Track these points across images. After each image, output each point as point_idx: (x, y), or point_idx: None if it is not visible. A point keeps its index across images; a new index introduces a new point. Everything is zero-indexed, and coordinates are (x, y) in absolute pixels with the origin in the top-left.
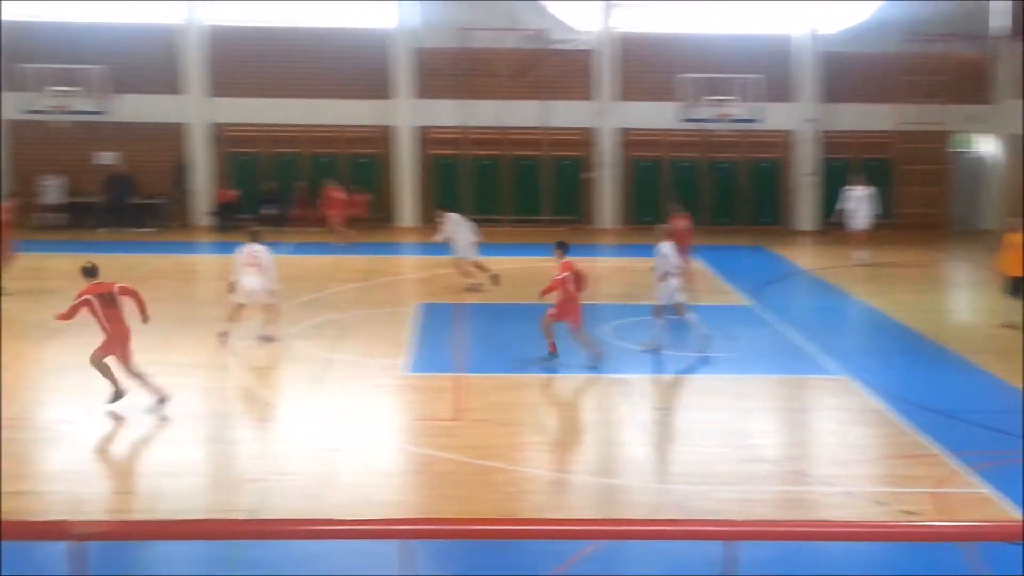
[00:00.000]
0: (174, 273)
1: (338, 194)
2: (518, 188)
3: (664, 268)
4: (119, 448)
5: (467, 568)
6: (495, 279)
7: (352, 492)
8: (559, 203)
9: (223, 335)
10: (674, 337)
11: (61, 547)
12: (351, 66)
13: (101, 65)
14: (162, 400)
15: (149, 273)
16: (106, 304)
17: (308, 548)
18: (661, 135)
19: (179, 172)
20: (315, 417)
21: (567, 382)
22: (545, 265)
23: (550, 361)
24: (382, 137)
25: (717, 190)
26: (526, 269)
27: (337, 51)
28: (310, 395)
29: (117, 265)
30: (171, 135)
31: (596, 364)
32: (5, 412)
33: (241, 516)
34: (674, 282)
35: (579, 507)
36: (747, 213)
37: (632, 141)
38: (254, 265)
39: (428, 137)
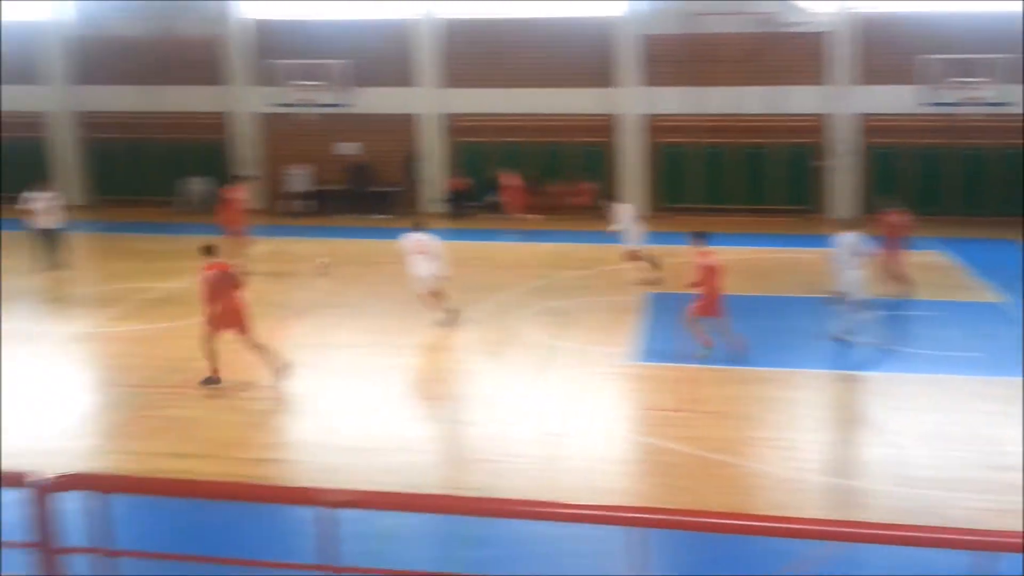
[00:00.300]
0: (399, 258)
1: (514, 181)
2: (747, 176)
3: (846, 258)
4: (356, 423)
5: (694, 561)
6: (656, 267)
7: (578, 477)
8: (790, 192)
9: (451, 314)
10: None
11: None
12: (577, 55)
13: (343, 60)
14: (282, 368)
15: (384, 257)
16: (221, 283)
17: (535, 529)
18: (901, 120)
19: (412, 161)
20: (541, 402)
21: (796, 377)
22: (773, 256)
23: (707, 354)
24: (608, 126)
25: (964, 178)
26: (754, 260)
27: (564, 40)
28: (536, 380)
29: (356, 250)
30: (405, 126)
31: (705, 355)
32: (257, 383)
33: (471, 494)
34: (857, 273)
35: (812, 507)
36: (1000, 203)
37: (870, 127)
38: (422, 252)
39: (654, 125)
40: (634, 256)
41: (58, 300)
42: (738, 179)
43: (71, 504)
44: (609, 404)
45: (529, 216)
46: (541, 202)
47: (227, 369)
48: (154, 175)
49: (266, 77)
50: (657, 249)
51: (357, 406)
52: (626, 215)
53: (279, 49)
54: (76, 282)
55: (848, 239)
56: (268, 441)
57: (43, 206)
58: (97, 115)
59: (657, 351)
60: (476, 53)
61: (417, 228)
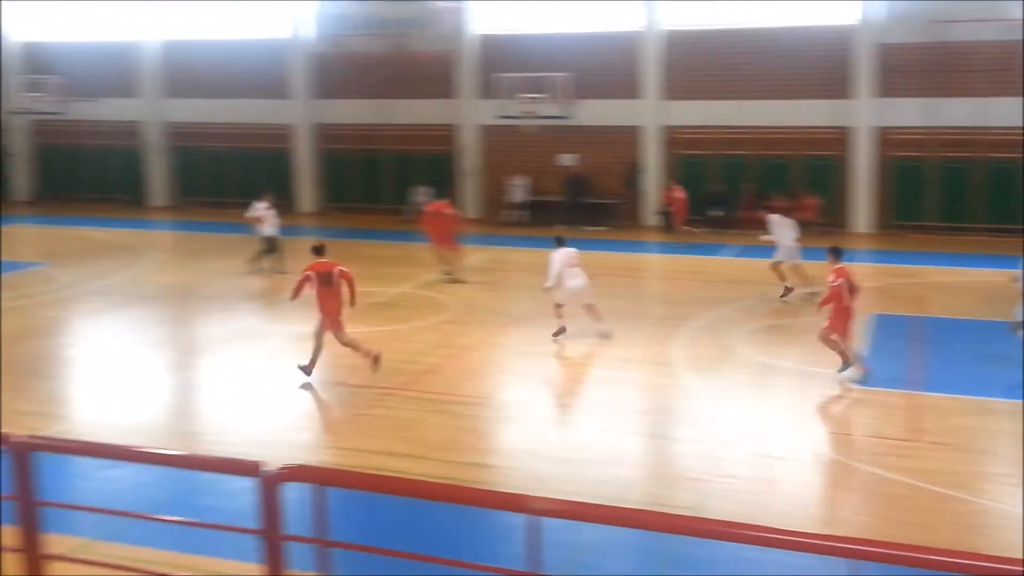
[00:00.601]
0: (622, 270)
1: (679, 193)
2: (990, 193)
3: None
4: (565, 433)
5: None
6: (807, 283)
7: (792, 503)
8: None
9: (558, 332)
10: None
11: (517, 519)
12: (807, 65)
13: (566, 72)
14: (375, 359)
15: (600, 270)
16: (323, 281)
17: (745, 554)
18: None
19: (633, 173)
20: (754, 422)
21: None
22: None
23: (849, 371)
24: (838, 139)
25: None
26: (994, 283)
27: (793, 50)
28: (750, 399)
29: None
30: (626, 138)
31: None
32: (473, 391)
33: (679, 512)
34: None
35: None
36: None
37: None
38: (576, 265)
39: (888, 138)
40: (776, 270)
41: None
42: (979, 196)
43: (292, 494)
44: (827, 428)
45: (695, 230)
46: (761, 217)
47: (436, 375)
48: (384, 184)
49: (491, 90)
50: (890, 268)
51: (568, 416)
52: (782, 227)
53: (504, 63)
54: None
55: None
56: (478, 446)
57: (262, 214)
58: (334, 127)
59: (878, 376)
60: (698, 64)
61: (559, 244)
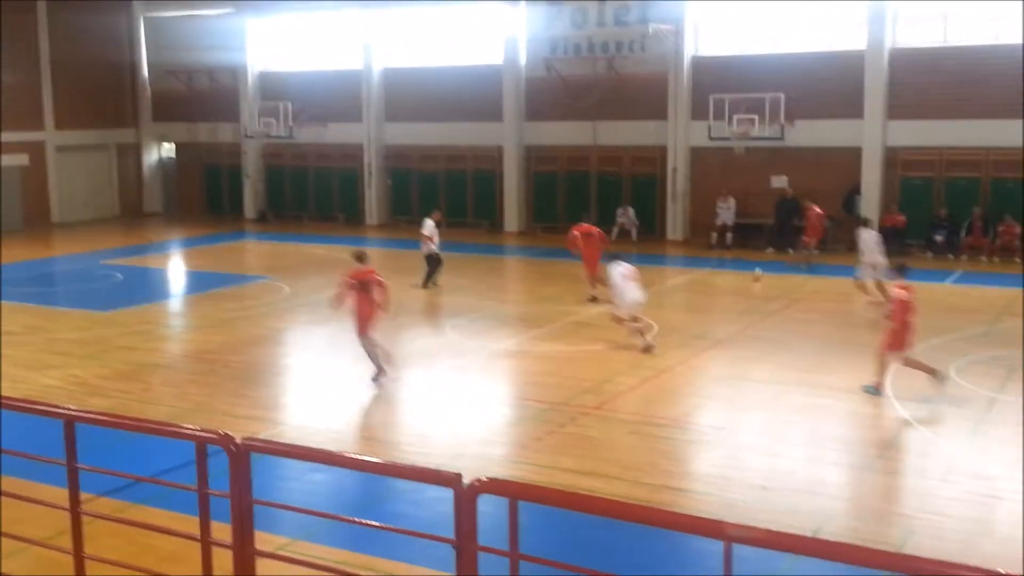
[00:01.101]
0: (830, 295)
1: (817, 212)
2: None
3: None
4: (763, 460)
5: None
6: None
7: (1007, 545)
8: None
9: (646, 347)
10: None
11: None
12: None
13: (781, 93)
14: (378, 375)
15: (806, 294)
16: (362, 288)
17: None
18: None
19: (851, 196)
20: (971, 458)
21: None
22: None
23: (874, 392)
24: None
25: None
26: None
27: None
28: (965, 434)
29: (778, 285)
30: (841, 159)
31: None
32: (669, 413)
33: (884, 548)
34: None
35: None
36: None
37: None
38: (636, 280)
39: None
40: (862, 288)
41: (490, 318)
42: None
43: (484, 507)
44: None
45: (815, 251)
46: (988, 243)
47: (632, 396)
48: (590, 206)
49: (703, 111)
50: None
51: (767, 443)
52: (872, 243)
53: (717, 83)
54: (509, 303)
55: None
56: (672, 469)
57: (428, 232)
58: (543, 149)
59: None
60: (923, 83)
61: (619, 257)
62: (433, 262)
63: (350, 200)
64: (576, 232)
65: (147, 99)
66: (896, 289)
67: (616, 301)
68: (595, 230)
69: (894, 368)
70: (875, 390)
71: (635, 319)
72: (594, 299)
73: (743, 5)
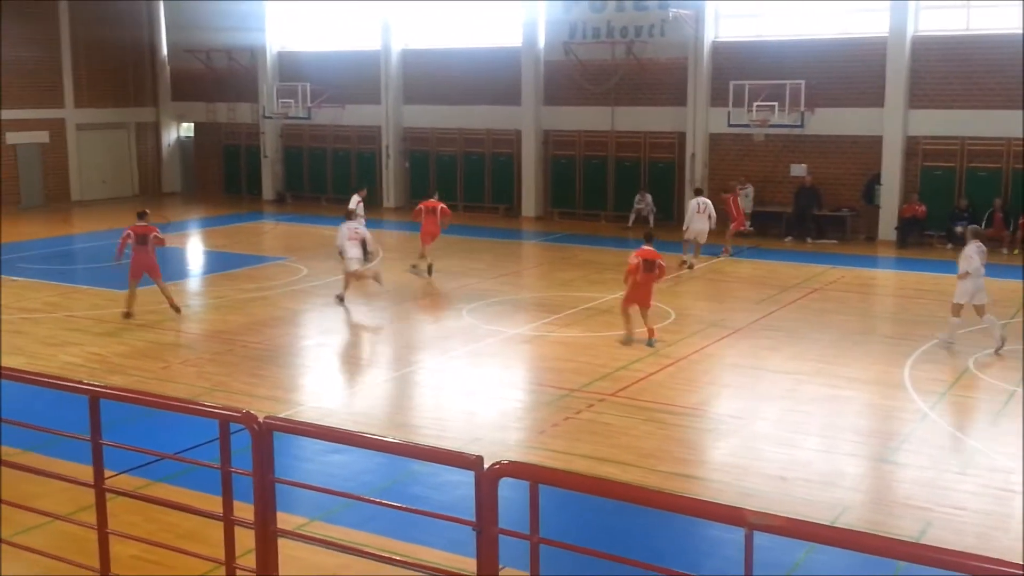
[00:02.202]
0: (853, 286)
1: (735, 198)
2: None
3: (965, 268)
4: (780, 450)
5: None
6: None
7: None
8: None
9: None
10: None
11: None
12: None
13: (801, 80)
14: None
15: (828, 284)
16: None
17: None
18: None
19: (871, 185)
20: (991, 452)
21: None
22: None
23: None
24: None
25: None
26: None
27: None
28: (986, 426)
29: (796, 274)
30: (862, 148)
31: None
32: (687, 401)
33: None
34: (971, 284)
35: None
36: None
37: None
38: (357, 239)
39: None
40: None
41: (507, 303)
42: None
43: (502, 491)
44: None
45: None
46: (1009, 234)
47: (649, 383)
48: (608, 191)
49: (723, 97)
50: None
51: (785, 433)
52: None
53: (737, 70)
54: (525, 288)
55: (969, 250)
56: (688, 457)
57: (353, 206)
58: (561, 133)
59: None
60: (942, 71)
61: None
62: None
63: (368, 182)
64: (421, 206)
65: (166, 78)
66: (632, 255)
67: (344, 260)
68: (440, 206)
69: (630, 318)
70: (627, 338)
71: (359, 275)
72: (414, 266)
73: None
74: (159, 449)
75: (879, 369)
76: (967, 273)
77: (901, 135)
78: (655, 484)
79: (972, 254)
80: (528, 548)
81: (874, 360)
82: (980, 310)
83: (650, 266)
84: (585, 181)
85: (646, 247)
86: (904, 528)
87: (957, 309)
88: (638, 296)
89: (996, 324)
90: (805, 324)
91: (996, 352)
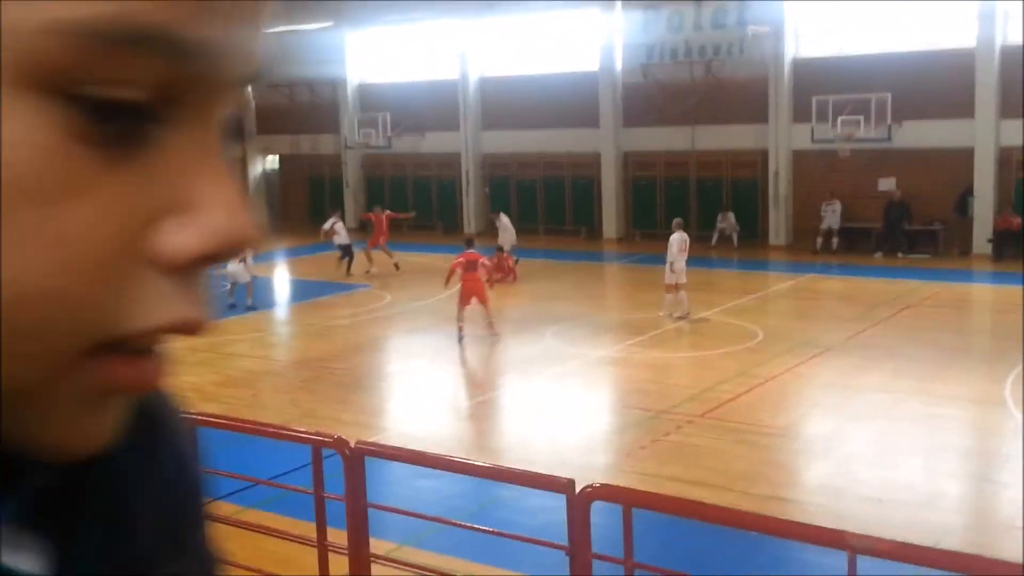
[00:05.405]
0: (947, 301)
1: (387, 215)
2: None
3: None
4: (877, 472)
5: None
6: None
7: None
8: None
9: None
10: None
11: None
12: None
13: (887, 93)
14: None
15: (921, 300)
16: (468, 268)
17: None
18: None
19: (964, 198)
20: None
21: None
22: None
23: None
24: None
25: None
26: None
27: None
28: None
29: (888, 290)
30: (953, 160)
31: None
32: (778, 422)
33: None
34: None
35: None
36: None
37: None
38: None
39: None
40: None
41: (590, 325)
42: None
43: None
44: None
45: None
46: None
47: (739, 404)
48: (690, 211)
49: (806, 113)
50: None
51: (881, 454)
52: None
53: (820, 85)
54: (609, 309)
55: None
56: (781, 480)
57: (328, 227)
58: (641, 155)
59: None
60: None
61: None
62: (345, 251)
63: (448, 208)
64: (461, 259)
65: (251, 113)
66: (454, 259)
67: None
68: (480, 259)
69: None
70: (460, 335)
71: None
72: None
73: (844, 5)
74: (250, 475)
75: (978, 387)
76: None
77: (993, 146)
78: (749, 507)
79: None
80: (623, 573)
81: (973, 377)
82: None
83: (472, 266)
84: (667, 202)
85: (468, 251)
86: (1007, 551)
87: None
88: (470, 294)
89: None
90: (900, 341)
91: None
